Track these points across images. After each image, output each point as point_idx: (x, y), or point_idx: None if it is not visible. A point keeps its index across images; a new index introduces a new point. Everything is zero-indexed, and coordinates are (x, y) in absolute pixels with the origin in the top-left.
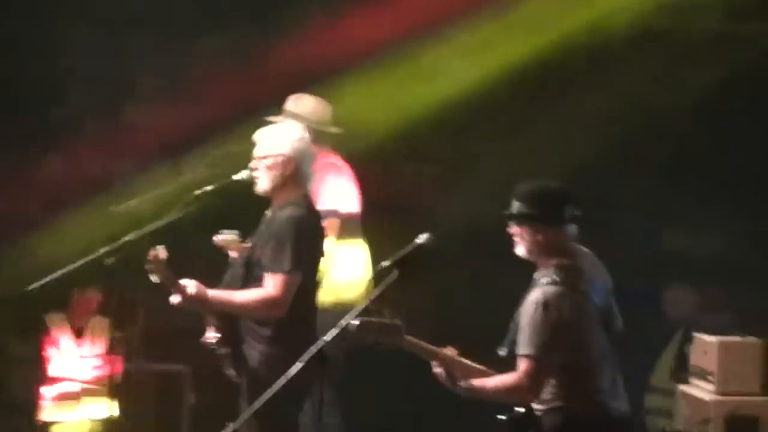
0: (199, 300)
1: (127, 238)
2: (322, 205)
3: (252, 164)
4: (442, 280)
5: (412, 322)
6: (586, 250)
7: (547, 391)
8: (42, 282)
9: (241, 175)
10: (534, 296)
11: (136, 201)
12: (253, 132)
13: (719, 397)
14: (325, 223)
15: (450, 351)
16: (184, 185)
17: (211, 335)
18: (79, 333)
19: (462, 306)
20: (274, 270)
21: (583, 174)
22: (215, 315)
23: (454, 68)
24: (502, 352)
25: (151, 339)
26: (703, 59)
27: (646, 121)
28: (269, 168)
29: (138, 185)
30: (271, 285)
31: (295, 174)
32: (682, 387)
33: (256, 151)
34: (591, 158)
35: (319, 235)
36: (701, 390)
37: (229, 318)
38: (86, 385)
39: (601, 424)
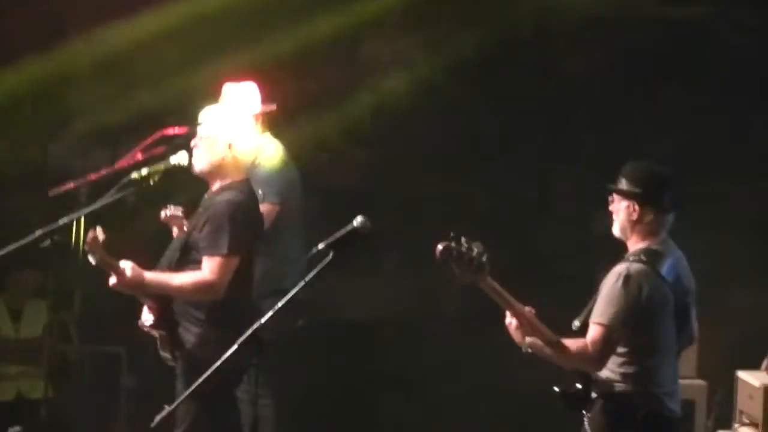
0: (135, 283)
1: (63, 221)
2: (268, 190)
3: (192, 144)
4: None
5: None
6: (676, 246)
7: (610, 370)
8: None
9: (179, 157)
10: (618, 269)
11: (73, 184)
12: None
13: None
14: (268, 209)
15: (528, 309)
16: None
17: (146, 318)
18: (16, 315)
19: (398, 288)
20: (211, 253)
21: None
22: (150, 298)
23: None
24: (576, 324)
25: (89, 321)
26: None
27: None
28: (207, 150)
29: (76, 169)
30: (208, 268)
31: (234, 158)
32: None
33: (198, 131)
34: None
35: (256, 219)
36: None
37: (164, 300)
38: (23, 367)
39: (654, 419)
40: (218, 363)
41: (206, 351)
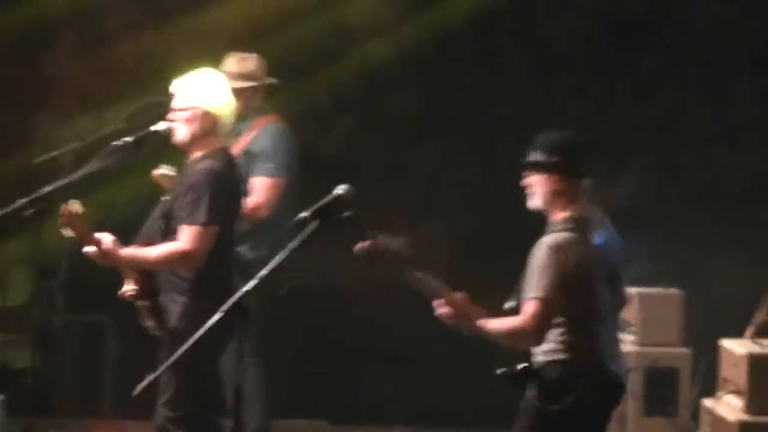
0: (112, 257)
1: (47, 189)
2: (272, 163)
3: (171, 115)
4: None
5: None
6: (599, 210)
7: (550, 341)
8: None
9: (160, 126)
10: (545, 241)
11: (56, 153)
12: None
13: (639, 348)
14: (271, 182)
15: (459, 296)
16: (105, 137)
17: (129, 288)
18: (1, 284)
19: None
20: (189, 222)
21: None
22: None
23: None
24: (510, 305)
25: (74, 290)
26: None
27: None
28: (188, 120)
29: (59, 138)
30: (186, 237)
31: (213, 127)
32: None
33: (175, 103)
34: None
35: (236, 188)
36: (623, 342)
37: (148, 270)
38: (8, 336)
39: (597, 384)
40: (201, 331)
41: (190, 320)
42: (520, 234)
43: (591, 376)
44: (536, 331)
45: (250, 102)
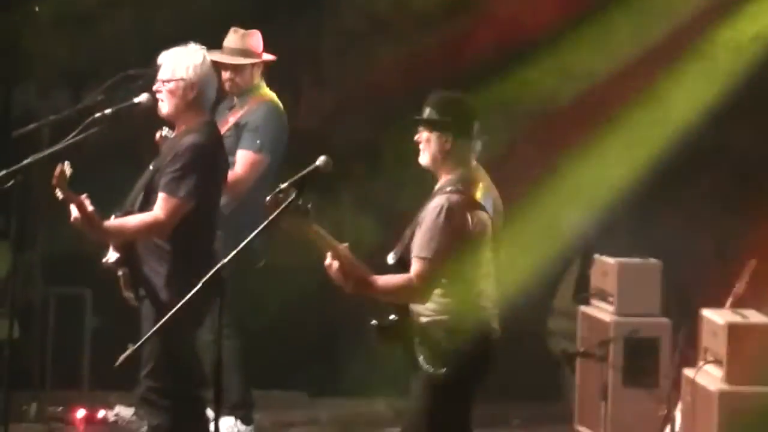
0: (94, 223)
1: (25, 162)
2: (260, 139)
3: (155, 87)
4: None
5: None
6: (484, 172)
7: (434, 301)
8: None
9: (141, 98)
10: (437, 201)
11: (35, 125)
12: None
13: (619, 318)
14: (255, 158)
15: (344, 247)
16: (85, 109)
17: (111, 255)
18: None
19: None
20: (168, 192)
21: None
22: None
23: None
24: (391, 259)
25: (53, 263)
26: None
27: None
28: (171, 92)
29: (38, 111)
30: (161, 207)
31: (197, 99)
32: (583, 308)
33: (160, 75)
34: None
35: (219, 161)
36: (601, 311)
37: (129, 240)
38: None
39: (480, 343)
40: (182, 303)
41: (171, 292)
42: None
43: (476, 334)
44: (423, 290)
45: (250, 78)
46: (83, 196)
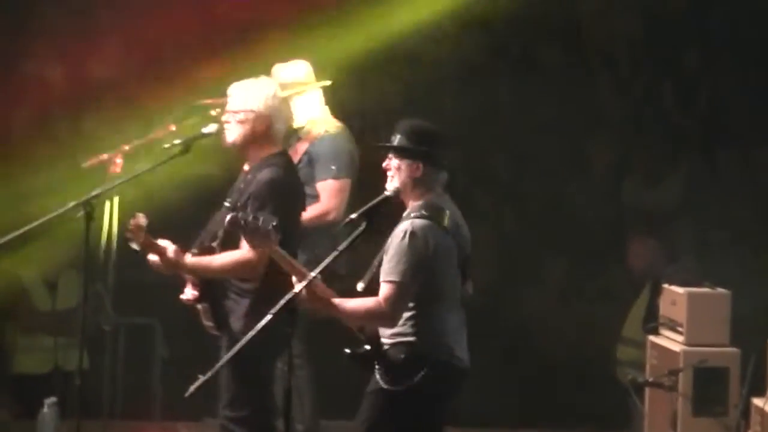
0: (176, 266)
1: (96, 192)
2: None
3: (224, 118)
4: None
5: None
6: (451, 200)
7: (398, 325)
8: (9, 237)
9: (210, 128)
10: (402, 226)
11: (106, 155)
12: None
13: (688, 348)
14: (337, 185)
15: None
16: (153, 140)
17: (190, 292)
18: (52, 287)
19: None
20: None
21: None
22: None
23: None
24: (361, 286)
25: (123, 293)
26: None
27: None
28: (241, 123)
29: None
30: (248, 247)
31: (267, 131)
32: (652, 338)
33: (229, 105)
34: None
35: (297, 194)
36: (670, 341)
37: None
38: (59, 339)
39: (442, 365)
40: (251, 333)
41: (249, 323)
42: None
43: (436, 358)
44: (391, 313)
45: (307, 107)
46: (163, 242)
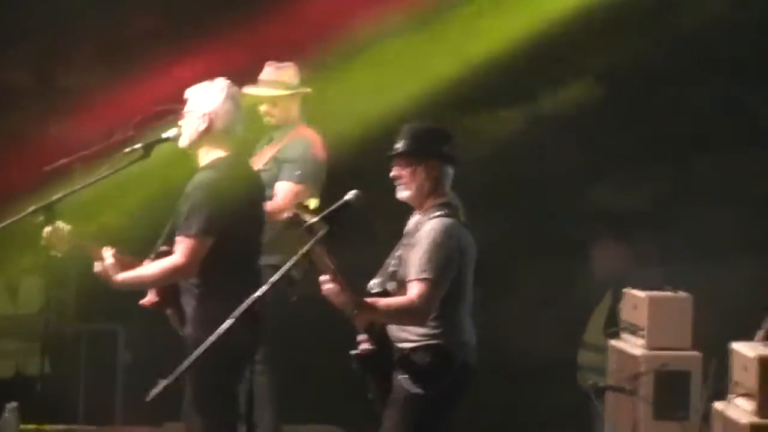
0: (108, 281)
1: (55, 197)
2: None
3: (180, 120)
4: None
5: None
6: (456, 196)
7: (425, 326)
8: None
9: (170, 132)
10: (432, 225)
11: (66, 160)
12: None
13: (649, 352)
14: (295, 188)
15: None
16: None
17: (150, 298)
18: (13, 292)
19: None
20: (182, 233)
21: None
22: None
23: None
24: (375, 288)
25: (86, 298)
26: None
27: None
28: (190, 124)
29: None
30: (179, 250)
31: (215, 132)
32: (613, 342)
33: (186, 107)
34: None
35: (235, 196)
36: (631, 345)
37: None
38: (21, 343)
39: (467, 371)
40: (213, 338)
41: (204, 327)
42: None
43: (463, 360)
44: (425, 310)
45: (286, 111)
46: (108, 251)
